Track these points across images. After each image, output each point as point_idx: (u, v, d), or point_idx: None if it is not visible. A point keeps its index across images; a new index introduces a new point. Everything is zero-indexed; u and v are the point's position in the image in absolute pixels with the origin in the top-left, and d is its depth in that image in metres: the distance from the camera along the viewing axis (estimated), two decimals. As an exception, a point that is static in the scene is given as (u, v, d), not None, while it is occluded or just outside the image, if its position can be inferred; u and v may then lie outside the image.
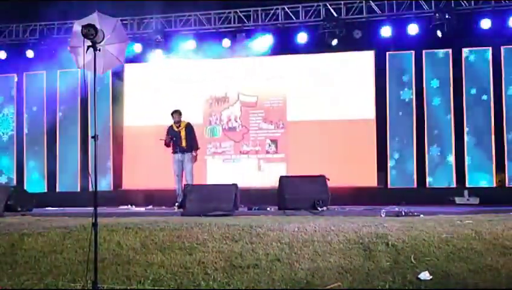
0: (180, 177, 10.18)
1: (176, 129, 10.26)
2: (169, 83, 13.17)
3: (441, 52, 11.97)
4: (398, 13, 11.93)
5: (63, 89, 13.44)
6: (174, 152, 10.21)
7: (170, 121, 12.50)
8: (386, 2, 12.01)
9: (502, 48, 11.65)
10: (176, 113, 10.45)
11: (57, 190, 13.33)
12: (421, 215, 7.42)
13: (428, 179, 11.83)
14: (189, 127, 10.36)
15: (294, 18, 12.47)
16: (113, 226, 6.40)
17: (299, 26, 12.40)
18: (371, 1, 12.09)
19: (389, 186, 11.98)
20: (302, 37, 12.22)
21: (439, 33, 11.41)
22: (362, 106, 12.23)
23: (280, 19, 12.53)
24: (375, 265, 4.95)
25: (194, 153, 10.20)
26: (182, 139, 10.17)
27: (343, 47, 12.30)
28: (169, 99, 13.03)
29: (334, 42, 12.08)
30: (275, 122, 12.65)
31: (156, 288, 4.73)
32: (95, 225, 4.59)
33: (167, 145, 10.19)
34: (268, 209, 9.00)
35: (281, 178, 9.14)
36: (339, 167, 11.62)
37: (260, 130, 12.71)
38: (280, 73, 12.70)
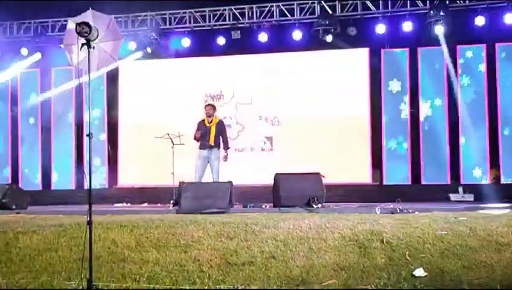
0: (202, 174, 9.88)
1: (208, 125, 9.93)
2: (164, 80, 13.15)
3: (435, 49, 11.98)
4: (392, 10, 11.93)
5: (58, 87, 13.40)
6: (201, 148, 9.92)
7: (166, 119, 12.60)
8: (380, -1, 12.04)
9: (497, 45, 11.68)
10: (209, 106, 10.14)
11: (52, 188, 13.30)
12: (416, 213, 7.44)
13: (423, 176, 11.85)
14: (220, 125, 10.06)
15: (289, 15, 12.46)
16: (108, 224, 6.39)
17: (294, 23, 12.39)
18: (365, -2, 12.12)
19: (384, 183, 12.00)
20: (297, 35, 12.20)
21: (439, 29, 11.38)
22: (357, 103, 12.25)
23: (275, 16, 12.51)
24: (370, 262, 4.97)
25: (225, 153, 9.88)
26: (211, 136, 9.84)
27: (338, 44, 12.29)
28: (164, 96, 13.06)
29: (329, 39, 12.06)
30: (270, 120, 12.66)
31: (151, 286, 4.72)
32: (89, 222, 4.58)
33: (197, 139, 9.92)
34: (263, 206, 9.01)
35: (276, 175, 9.14)
36: (334, 164, 11.64)
37: (255, 128, 12.71)
38: (275, 70, 12.69)
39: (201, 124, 10.04)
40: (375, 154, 12.13)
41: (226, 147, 9.96)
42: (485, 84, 11.68)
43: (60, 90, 13.28)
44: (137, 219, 6.74)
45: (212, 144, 9.87)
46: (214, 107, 10.24)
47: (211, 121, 9.99)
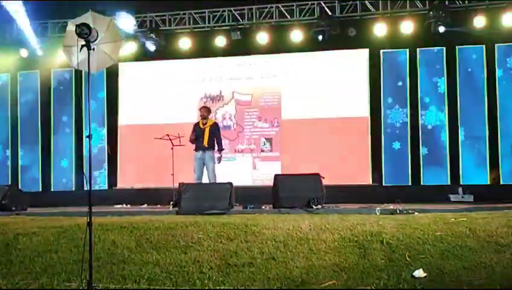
0: (200, 175, 9.97)
1: (202, 127, 10.05)
2: (163, 81, 13.15)
3: (435, 50, 11.99)
4: (392, 11, 11.95)
5: (57, 88, 13.42)
6: (196, 150, 10.01)
7: (165, 120, 12.62)
8: (380, 0, 12.02)
9: (496, 46, 11.68)
10: (204, 108, 10.28)
11: (52, 189, 13.29)
12: (416, 213, 7.44)
13: (422, 177, 11.85)
14: (214, 127, 10.15)
15: (288, 16, 12.47)
16: (108, 225, 6.39)
17: (293, 24, 12.40)
18: (365, -1, 12.13)
19: (383, 184, 11.99)
20: (296, 36, 12.21)
21: (441, 29, 11.40)
22: (356, 104, 12.24)
23: (274, 17, 12.52)
24: (369, 263, 4.97)
25: (218, 154, 9.97)
26: (204, 138, 9.94)
27: (337, 45, 12.31)
28: (163, 98, 13.06)
29: (329, 40, 12.06)
30: (269, 121, 12.66)
31: (151, 287, 4.73)
32: (89, 224, 4.59)
33: (192, 142, 10.02)
34: (263, 207, 9.00)
35: (276, 176, 9.13)
36: (333, 165, 11.64)
37: (255, 129, 12.71)
38: (274, 71, 12.69)
39: (196, 126, 10.15)
40: (374, 155, 12.11)
41: (220, 149, 10.07)
42: (485, 84, 11.67)
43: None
44: (137, 220, 6.74)
45: (206, 146, 9.96)
46: (208, 109, 10.35)
47: (205, 123, 10.10)
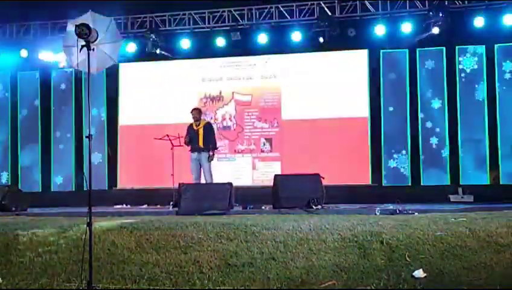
0: (197, 176, 10.11)
1: (195, 128, 10.22)
2: (163, 82, 13.14)
3: (435, 50, 11.99)
4: (392, 11, 11.93)
5: (57, 88, 13.43)
6: (192, 151, 10.16)
7: (165, 120, 12.63)
8: (379, 0, 12.00)
9: (496, 46, 11.68)
10: (195, 110, 10.44)
11: (52, 190, 13.29)
12: (416, 214, 7.45)
13: (422, 177, 11.84)
14: (208, 127, 10.36)
15: (288, 17, 12.46)
16: (108, 225, 6.40)
17: (293, 25, 12.39)
18: (364, -1, 12.13)
19: (383, 184, 11.99)
20: (296, 36, 12.21)
21: (435, 30, 11.42)
22: (356, 104, 12.23)
23: (274, 17, 12.51)
24: (369, 263, 4.97)
25: (210, 153, 10.12)
26: (199, 139, 10.10)
27: (337, 46, 12.30)
28: (163, 98, 13.05)
29: (328, 41, 12.06)
30: (269, 121, 12.65)
31: (151, 287, 4.73)
32: (89, 224, 4.59)
33: (186, 144, 10.18)
34: (263, 208, 9.01)
35: (276, 177, 9.15)
36: (333, 165, 11.64)
37: (255, 129, 12.71)
38: (274, 72, 12.68)
39: (190, 127, 10.31)
40: (374, 155, 12.11)
41: (213, 148, 10.23)
42: (485, 84, 11.66)
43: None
44: (137, 221, 6.75)
45: (202, 147, 10.11)
46: (199, 111, 10.54)
47: (199, 124, 10.25)
